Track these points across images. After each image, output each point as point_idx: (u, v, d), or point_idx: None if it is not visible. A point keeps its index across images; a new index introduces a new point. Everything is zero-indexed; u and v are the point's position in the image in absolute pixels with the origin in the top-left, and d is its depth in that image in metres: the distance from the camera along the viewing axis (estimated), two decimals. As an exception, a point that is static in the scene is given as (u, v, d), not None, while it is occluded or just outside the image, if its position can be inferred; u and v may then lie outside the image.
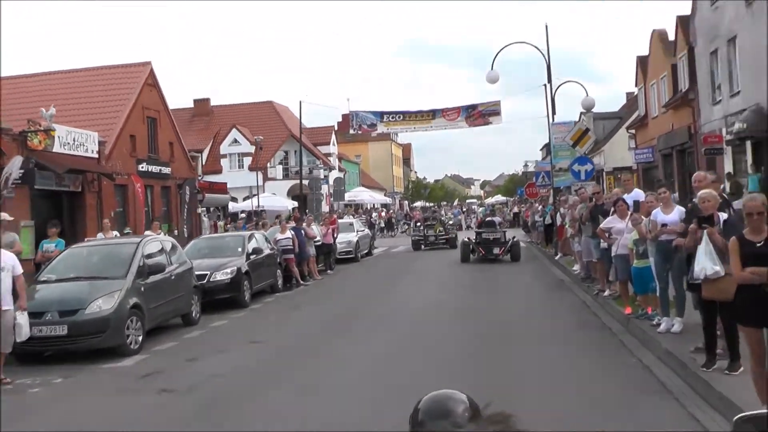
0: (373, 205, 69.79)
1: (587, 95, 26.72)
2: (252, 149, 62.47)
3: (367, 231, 32.93)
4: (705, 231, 7.97)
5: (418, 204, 77.31)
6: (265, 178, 62.55)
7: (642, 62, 39.06)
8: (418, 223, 42.48)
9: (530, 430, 1.85)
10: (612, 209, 13.88)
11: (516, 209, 56.27)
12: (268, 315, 16.47)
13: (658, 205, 11.21)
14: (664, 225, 10.54)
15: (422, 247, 33.49)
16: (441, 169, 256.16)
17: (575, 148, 22.70)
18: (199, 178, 60.15)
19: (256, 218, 26.40)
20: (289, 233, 22.24)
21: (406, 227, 54.67)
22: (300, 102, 35.53)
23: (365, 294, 18.89)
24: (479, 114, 33.01)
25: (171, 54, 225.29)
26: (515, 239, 26.86)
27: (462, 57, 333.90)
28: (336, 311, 16.15)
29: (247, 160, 61.50)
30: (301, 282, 22.15)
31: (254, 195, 53.66)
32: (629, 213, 12.60)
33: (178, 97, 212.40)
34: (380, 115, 33.45)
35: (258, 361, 11.32)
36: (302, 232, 23.00)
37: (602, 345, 11.02)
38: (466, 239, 27.30)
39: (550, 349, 10.81)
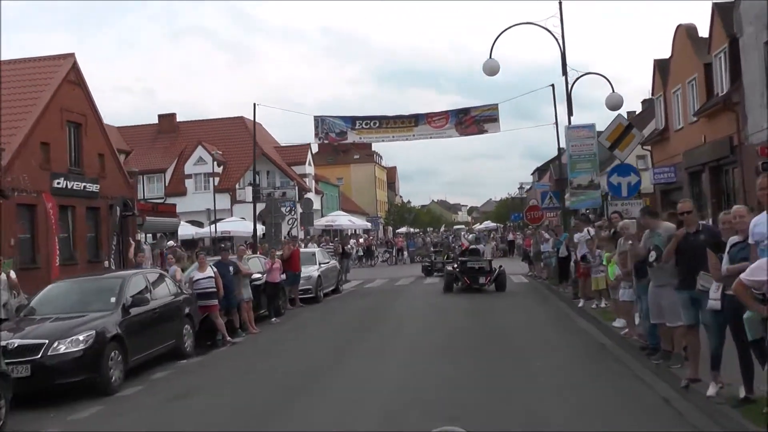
0: (354, 230, 63.31)
1: (613, 91, 20.28)
2: (220, 169, 56.02)
3: (333, 263, 26.19)
4: None
5: (403, 230, 70.66)
6: (234, 201, 56.09)
7: (661, 66, 32.71)
8: (431, 248, 42.24)
9: None
10: (734, 241, 7.42)
11: (511, 236, 49.72)
12: (130, 414, 9.69)
13: None
14: None
15: (433, 273, 31.95)
16: (427, 195, 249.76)
17: (614, 151, 16.20)
18: (162, 200, 54.03)
19: (176, 251, 19.53)
20: (210, 271, 15.62)
21: (387, 255, 47.99)
22: (254, 105, 28.24)
23: (303, 368, 12.05)
24: (472, 120, 26.58)
25: (139, 65, 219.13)
26: (502, 268, 24.58)
27: (449, 82, 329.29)
28: (239, 409, 9.46)
29: (214, 181, 54.86)
30: (228, 338, 15.50)
31: (219, 220, 47.35)
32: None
33: (145, 112, 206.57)
34: (351, 121, 26.92)
35: None
36: (230, 268, 16.37)
37: None
38: (449, 268, 25.37)
39: None
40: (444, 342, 13.90)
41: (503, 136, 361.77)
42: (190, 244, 41.55)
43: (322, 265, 23.92)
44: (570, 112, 20.48)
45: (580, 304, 17.40)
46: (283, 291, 20.24)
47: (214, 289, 15.43)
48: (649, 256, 9.96)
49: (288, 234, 41.70)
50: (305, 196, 56.35)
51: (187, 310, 14.04)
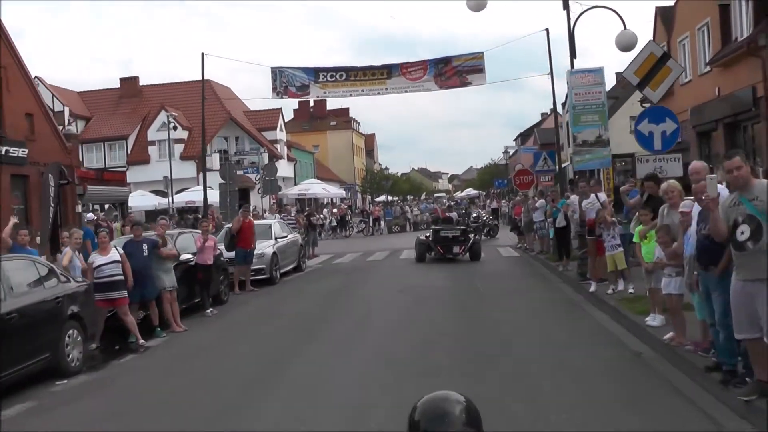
0: (331, 199, 59.50)
1: (625, 28, 16.43)
2: (185, 135, 51.86)
3: (294, 236, 22.23)
4: None
5: (381, 198, 66.71)
6: (201, 169, 51.95)
7: (664, 14, 28.91)
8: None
9: None
10: None
11: (495, 204, 45.90)
12: None
13: None
14: None
15: None
16: (407, 164, 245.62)
17: (643, 90, 12.35)
18: (125, 168, 49.87)
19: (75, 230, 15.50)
20: (114, 253, 11.78)
21: (363, 226, 44.11)
22: (202, 54, 24.18)
23: (227, 388, 8.36)
24: (454, 71, 22.66)
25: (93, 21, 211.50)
26: (476, 237, 23.93)
27: (426, 51, 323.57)
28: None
29: (179, 148, 50.79)
30: (141, 341, 11.71)
31: (183, 190, 43.53)
32: None
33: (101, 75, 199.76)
34: (314, 72, 22.93)
35: None
36: (144, 247, 12.54)
37: None
38: (422, 237, 23.82)
39: None
40: (419, 346, 10.15)
41: (483, 105, 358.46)
42: (154, 215, 37.66)
43: (279, 240, 20.02)
44: (573, 54, 16.67)
45: (592, 288, 13.71)
46: (226, 273, 16.45)
47: (122, 277, 11.64)
48: (736, 233, 6.29)
49: (276, 203, 37.93)
50: (273, 162, 52.51)
51: (72, 310, 10.19)
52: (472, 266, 21.21)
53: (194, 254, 14.64)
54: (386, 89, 22.89)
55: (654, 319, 10.01)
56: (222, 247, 17.60)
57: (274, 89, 22.99)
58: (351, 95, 23.49)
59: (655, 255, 9.20)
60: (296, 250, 21.72)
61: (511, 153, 58.68)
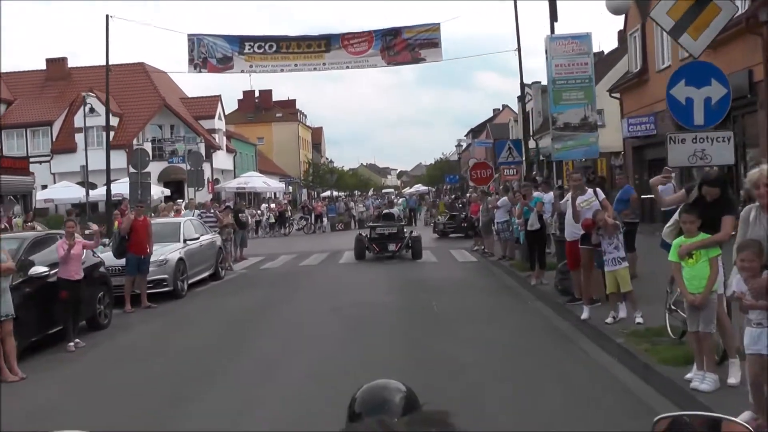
0: (275, 194, 55.45)
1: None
2: (115, 121, 47.23)
3: (210, 237, 17.96)
4: None
5: (327, 194, 62.78)
6: (131, 159, 47.41)
7: (638, -8, 25.74)
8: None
9: (469, 431, 1.43)
10: None
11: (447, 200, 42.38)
12: None
13: None
14: None
15: (448, 235, 29.12)
16: (356, 159, 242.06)
17: (679, 39, 8.65)
18: (49, 158, 45.22)
19: None
20: None
21: (304, 223, 40.17)
22: (107, 17, 19.98)
23: None
24: (404, 45, 18.98)
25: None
26: (414, 234, 22.55)
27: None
28: None
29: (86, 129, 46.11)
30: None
31: (113, 181, 39.08)
32: None
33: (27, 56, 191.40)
34: (238, 42, 19.02)
35: None
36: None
37: None
38: (360, 234, 23.18)
39: None
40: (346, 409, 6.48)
41: (433, 102, 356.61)
42: (80, 209, 33.35)
43: (189, 243, 16.02)
44: (553, 16, 13.14)
45: (584, 315, 10.18)
46: (109, 288, 12.47)
47: None
48: None
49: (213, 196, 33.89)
50: (212, 153, 48.39)
51: None
52: (423, 273, 17.68)
53: (55, 266, 10.67)
54: (324, 64, 19.09)
55: (703, 381, 6.50)
56: (109, 253, 13.76)
57: (191, 61, 19.00)
58: (282, 70, 19.59)
59: (731, 286, 5.66)
60: (213, 254, 17.71)
61: (464, 147, 55.37)
